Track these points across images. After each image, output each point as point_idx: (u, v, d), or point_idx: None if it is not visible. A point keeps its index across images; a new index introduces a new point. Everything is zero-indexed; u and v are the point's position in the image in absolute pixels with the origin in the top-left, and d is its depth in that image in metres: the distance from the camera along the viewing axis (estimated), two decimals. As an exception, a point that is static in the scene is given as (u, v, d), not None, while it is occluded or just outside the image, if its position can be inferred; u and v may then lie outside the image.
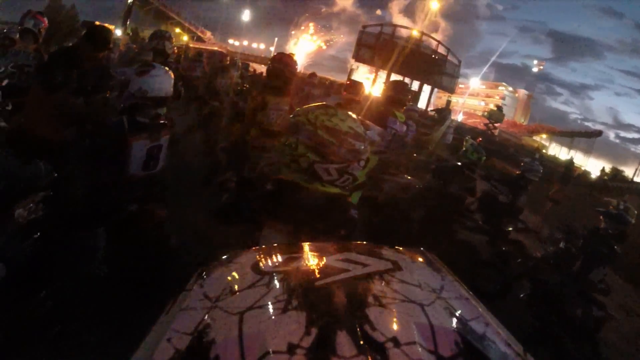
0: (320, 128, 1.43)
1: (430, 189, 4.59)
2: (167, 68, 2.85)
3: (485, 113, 26.33)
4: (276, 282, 0.75)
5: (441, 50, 24.24)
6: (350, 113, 1.52)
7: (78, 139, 3.43)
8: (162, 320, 0.73)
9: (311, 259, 0.85)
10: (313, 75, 9.89)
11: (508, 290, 4.21)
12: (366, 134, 1.53)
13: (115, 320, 2.30)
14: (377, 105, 4.41)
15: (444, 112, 10.40)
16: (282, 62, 3.94)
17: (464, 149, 4.72)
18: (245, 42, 36.17)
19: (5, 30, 4.54)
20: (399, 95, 4.23)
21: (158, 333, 0.68)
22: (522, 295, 4.02)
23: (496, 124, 22.35)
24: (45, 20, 4.44)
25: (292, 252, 0.90)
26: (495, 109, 23.93)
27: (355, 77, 17.83)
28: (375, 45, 17.60)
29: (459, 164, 4.65)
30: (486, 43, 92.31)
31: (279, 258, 0.87)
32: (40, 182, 2.37)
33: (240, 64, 11.00)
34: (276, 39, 35.04)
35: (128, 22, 28.97)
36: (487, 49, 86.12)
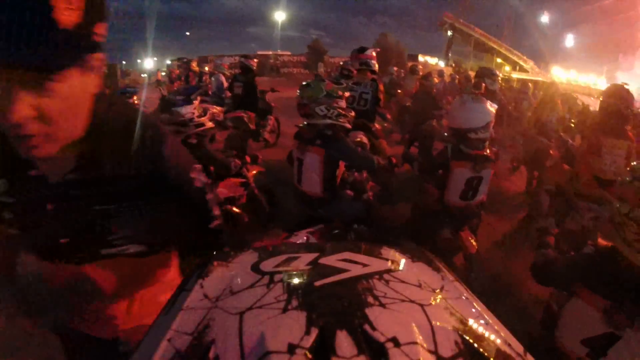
0: None
1: None
2: (482, 100, 2.90)
3: None
4: (276, 282, 0.75)
5: None
6: None
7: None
8: (162, 320, 0.73)
9: (311, 259, 0.85)
10: None
11: None
12: None
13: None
14: None
15: None
16: (616, 96, 3.38)
17: None
18: (573, 72, 31.31)
19: (342, 63, 6.03)
20: None
21: (158, 333, 0.68)
22: None
23: None
24: (373, 55, 5.28)
25: (292, 252, 0.91)
26: None
27: None
28: None
29: None
30: None
31: (279, 258, 0.87)
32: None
33: (569, 96, 10.28)
34: (605, 68, 29.95)
35: (450, 54, 29.89)
36: None
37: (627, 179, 1.31)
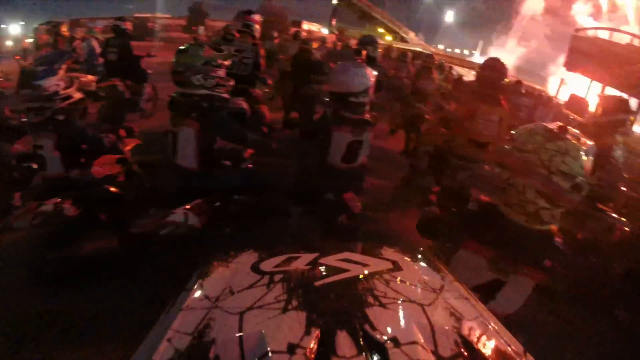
0: (556, 174, 1.27)
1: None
2: (363, 66, 2.81)
3: None
4: (276, 282, 0.75)
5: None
6: (578, 145, 1.33)
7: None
8: (162, 320, 0.73)
9: (311, 259, 0.85)
10: (519, 83, 8.68)
11: None
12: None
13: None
14: (599, 128, 3.63)
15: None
16: (493, 69, 3.65)
17: None
18: (449, 45, 33.84)
19: (226, 25, 6.01)
20: (621, 116, 3.58)
21: (158, 333, 0.68)
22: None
23: None
24: (258, 19, 5.30)
25: (292, 252, 0.91)
26: None
27: (565, 89, 15.51)
28: (590, 53, 13.63)
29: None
30: None
31: (279, 258, 0.85)
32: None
33: (444, 66, 10.74)
34: (480, 42, 32.06)
35: (334, 22, 29.96)
36: None
37: (507, 147, 1.43)
